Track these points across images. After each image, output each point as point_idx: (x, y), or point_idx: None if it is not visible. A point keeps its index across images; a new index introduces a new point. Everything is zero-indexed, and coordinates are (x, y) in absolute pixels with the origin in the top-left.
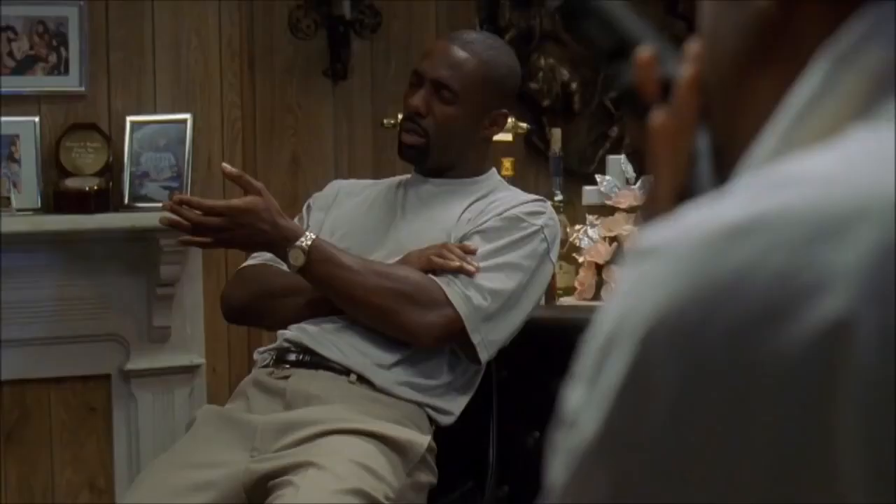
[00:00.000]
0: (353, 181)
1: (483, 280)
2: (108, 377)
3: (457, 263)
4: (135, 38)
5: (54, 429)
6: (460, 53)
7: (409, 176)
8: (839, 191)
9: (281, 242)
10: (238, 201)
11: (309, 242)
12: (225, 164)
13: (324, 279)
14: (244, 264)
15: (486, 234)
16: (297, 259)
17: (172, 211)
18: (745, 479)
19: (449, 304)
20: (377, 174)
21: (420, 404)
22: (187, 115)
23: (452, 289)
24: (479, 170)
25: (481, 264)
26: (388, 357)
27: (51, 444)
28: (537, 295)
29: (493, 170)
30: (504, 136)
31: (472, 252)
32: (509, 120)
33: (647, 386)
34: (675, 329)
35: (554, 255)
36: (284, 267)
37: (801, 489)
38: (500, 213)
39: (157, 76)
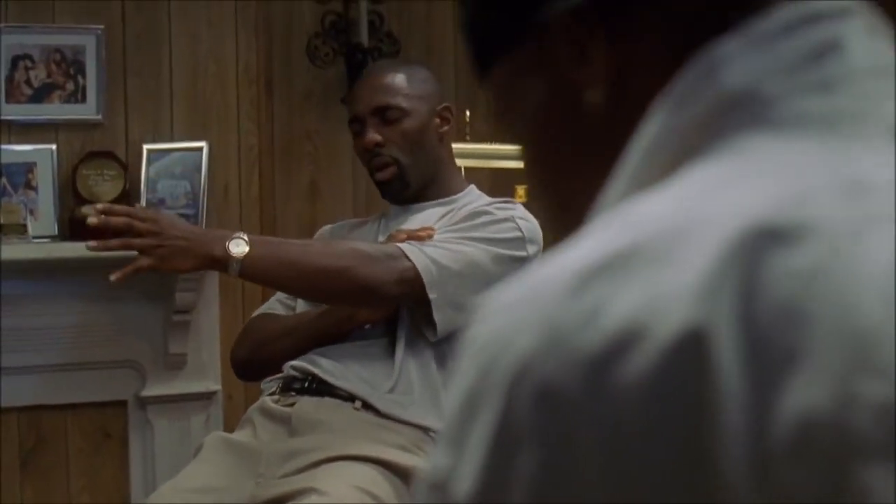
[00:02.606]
0: (339, 224)
1: (442, 243)
2: (124, 403)
3: (405, 237)
4: (152, 65)
5: (71, 455)
6: (381, 76)
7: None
8: (668, 226)
9: (209, 243)
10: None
11: (245, 235)
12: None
13: (270, 261)
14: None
15: (452, 225)
16: (239, 246)
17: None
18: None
19: (405, 257)
20: None
21: (426, 430)
22: (203, 143)
23: (407, 246)
24: (453, 186)
25: (441, 235)
26: (390, 383)
27: (67, 470)
28: (508, 274)
29: (472, 186)
30: (519, 164)
31: (426, 230)
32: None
33: (517, 437)
34: (538, 377)
35: (533, 249)
36: (284, 312)
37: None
38: (468, 213)
39: (174, 103)
